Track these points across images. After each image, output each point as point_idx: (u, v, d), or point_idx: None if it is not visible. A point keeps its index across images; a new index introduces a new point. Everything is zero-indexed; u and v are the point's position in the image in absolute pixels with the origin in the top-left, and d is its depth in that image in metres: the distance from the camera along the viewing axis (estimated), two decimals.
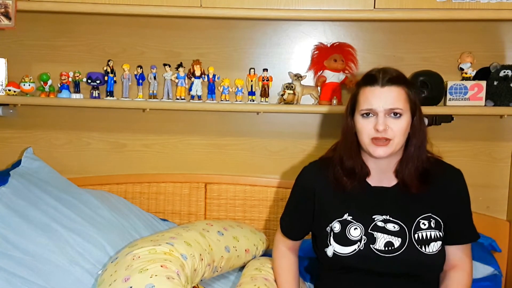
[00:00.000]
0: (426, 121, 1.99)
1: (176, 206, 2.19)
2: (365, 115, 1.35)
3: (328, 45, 2.06)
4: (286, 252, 1.58)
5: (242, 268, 1.87)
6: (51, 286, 1.59)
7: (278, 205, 2.15)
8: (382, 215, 1.38)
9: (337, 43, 2.06)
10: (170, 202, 2.19)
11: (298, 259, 1.61)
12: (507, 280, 2.01)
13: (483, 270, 1.74)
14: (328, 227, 1.41)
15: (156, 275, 1.41)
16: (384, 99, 1.33)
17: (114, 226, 1.85)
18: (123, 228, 1.87)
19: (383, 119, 1.32)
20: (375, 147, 1.34)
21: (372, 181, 1.43)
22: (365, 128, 1.35)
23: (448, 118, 2.03)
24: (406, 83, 1.37)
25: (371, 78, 1.37)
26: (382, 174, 1.43)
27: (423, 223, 1.37)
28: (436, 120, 2.01)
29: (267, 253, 1.92)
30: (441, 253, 1.38)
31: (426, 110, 1.91)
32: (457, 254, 1.41)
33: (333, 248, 1.38)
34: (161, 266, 1.45)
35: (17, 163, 2.05)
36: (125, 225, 1.89)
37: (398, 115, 1.33)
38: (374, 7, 1.86)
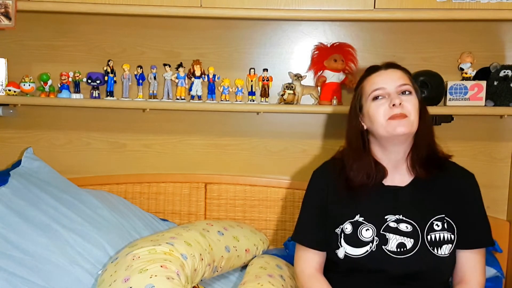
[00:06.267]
0: None
1: (176, 206, 2.19)
2: (377, 98, 1.35)
3: (328, 45, 2.06)
4: (317, 275, 1.42)
5: (242, 268, 1.87)
6: (51, 286, 1.59)
7: (278, 205, 2.15)
8: (394, 215, 1.36)
9: (337, 43, 2.06)
10: (170, 202, 2.19)
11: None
12: (507, 281, 2.00)
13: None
14: (338, 229, 1.39)
15: (156, 275, 1.41)
16: (391, 78, 1.36)
17: (114, 226, 1.85)
18: (123, 228, 1.87)
19: (396, 95, 1.33)
20: (394, 123, 1.31)
21: (386, 180, 1.41)
22: (379, 109, 1.34)
23: (448, 118, 2.03)
24: (408, 71, 1.42)
25: (373, 68, 1.41)
26: (395, 170, 1.41)
27: (437, 224, 1.34)
28: (436, 120, 2.01)
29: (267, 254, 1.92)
30: (453, 256, 1.36)
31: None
32: (469, 263, 1.36)
33: (345, 249, 1.36)
34: (161, 266, 1.45)
35: (17, 163, 2.05)
36: (125, 225, 1.89)
37: (409, 92, 1.35)
38: (374, 7, 1.85)
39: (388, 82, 1.35)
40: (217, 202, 2.17)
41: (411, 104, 1.33)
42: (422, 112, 1.39)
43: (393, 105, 1.31)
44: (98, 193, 2.03)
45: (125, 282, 1.41)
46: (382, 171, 1.40)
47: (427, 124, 1.40)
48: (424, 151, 1.38)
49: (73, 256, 1.67)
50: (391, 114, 1.32)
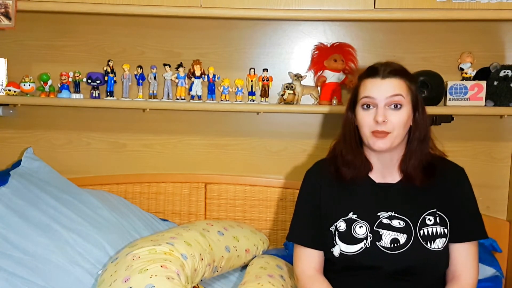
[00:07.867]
0: None
1: (176, 206, 2.19)
2: (365, 106, 1.36)
3: (328, 45, 2.06)
4: (318, 276, 1.43)
5: (242, 268, 1.87)
6: (51, 286, 1.60)
7: (278, 205, 2.15)
8: (387, 212, 1.38)
9: (337, 43, 2.06)
10: (170, 202, 2.19)
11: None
12: (507, 281, 2.00)
13: (484, 271, 1.73)
14: (332, 227, 1.41)
15: (156, 275, 1.41)
16: (384, 89, 1.34)
17: (114, 226, 1.85)
18: (123, 228, 1.87)
19: (383, 110, 1.33)
20: (375, 139, 1.34)
21: (376, 177, 1.43)
22: (366, 120, 1.36)
23: (448, 118, 2.03)
24: (407, 76, 1.38)
25: (372, 70, 1.38)
26: (385, 170, 1.43)
27: (429, 219, 1.36)
28: (436, 120, 2.01)
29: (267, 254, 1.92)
30: (447, 250, 1.37)
31: (426, 110, 1.92)
32: (461, 256, 1.37)
33: (340, 247, 1.38)
34: (161, 266, 1.45)
35: (17, 163, 2.05)
36: (125, 225, 1.89)
37: (399, 106, 1.33)
38: (374, 7, 1.85)
39: (380, 93, 1.34)
40: (217, 202, 2.17)
41: (397, 119, 1.33)
42: (419, 123, 1.38)
43: (377, 121, 1.33)
44: (98, 193, 2.03)
45: (125, 282, 1.41)
46: (368, 167, 1.43)
47: (422, 136, 1.39)
48: (417, 160, 1.38)
49: (73, 256, 1.67)
50: (373, 129, 1.34)
